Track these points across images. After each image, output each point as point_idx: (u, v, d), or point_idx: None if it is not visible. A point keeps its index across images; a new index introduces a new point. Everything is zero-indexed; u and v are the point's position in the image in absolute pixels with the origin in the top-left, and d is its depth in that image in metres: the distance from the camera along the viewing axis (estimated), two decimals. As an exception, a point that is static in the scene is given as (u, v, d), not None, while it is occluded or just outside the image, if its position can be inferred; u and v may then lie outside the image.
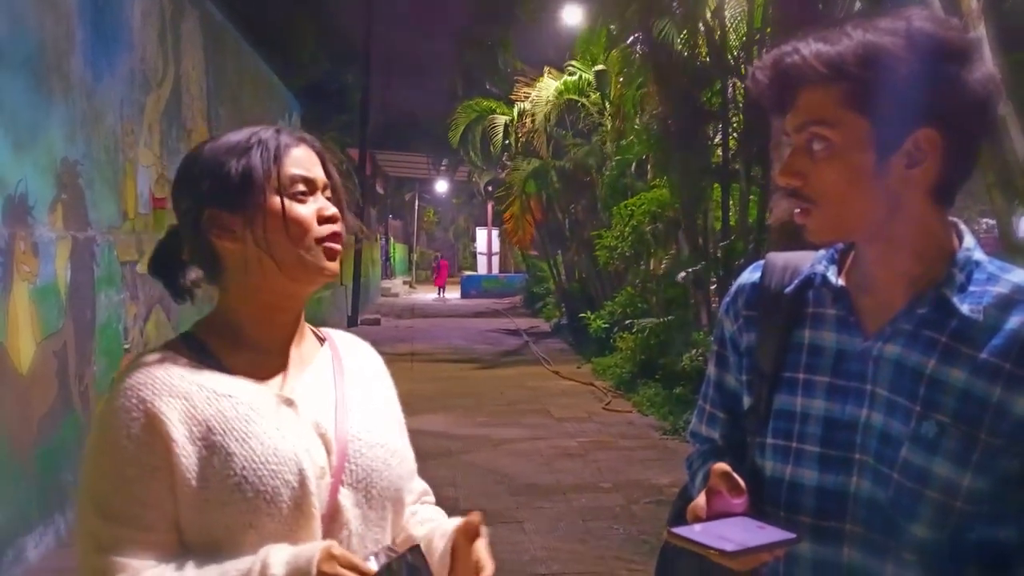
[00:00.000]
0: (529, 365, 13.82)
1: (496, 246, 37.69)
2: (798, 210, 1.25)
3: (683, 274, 10.72)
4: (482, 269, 38.37)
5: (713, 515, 1.25)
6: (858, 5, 7.63)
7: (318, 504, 1.29)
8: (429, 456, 7.79)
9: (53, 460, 4.73)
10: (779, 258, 1.43)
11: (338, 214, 1.37)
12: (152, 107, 6.49)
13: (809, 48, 1.20)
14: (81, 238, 5.14)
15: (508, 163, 19.63)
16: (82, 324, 5.18)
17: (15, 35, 4.36)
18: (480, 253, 39.34)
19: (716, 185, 10.63)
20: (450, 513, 1.56)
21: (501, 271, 38.25)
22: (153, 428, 1.24)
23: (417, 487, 1.59)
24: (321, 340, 1.50)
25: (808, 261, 1.38)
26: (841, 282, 1.33)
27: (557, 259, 20.43)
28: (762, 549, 1.18)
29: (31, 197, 4.48)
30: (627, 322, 12.28)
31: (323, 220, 1.35)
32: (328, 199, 1.38)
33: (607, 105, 14.89)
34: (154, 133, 6.49)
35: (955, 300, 1.22)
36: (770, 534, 1.21)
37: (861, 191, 1.21)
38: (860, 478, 1.25)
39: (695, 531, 1.21)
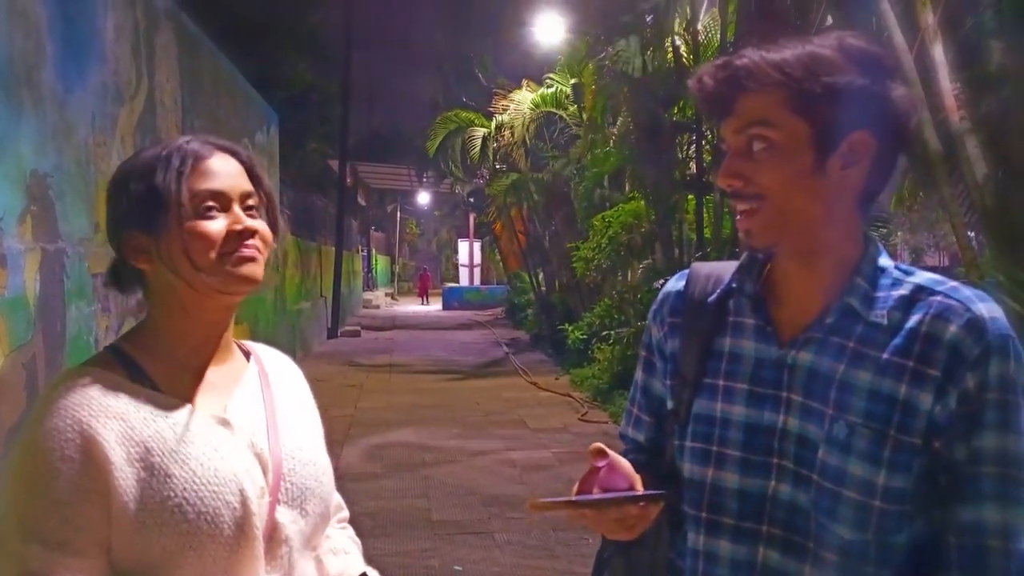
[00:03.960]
0: (507, 376, 13.83)
1: (478, 258, 37.68)
2: (742, 210, 1.28)
3: (660, 282, 10.79)
4: (464, 281, 38.36)
5: (591, 491, 1.27)
6: (829, 20, 7.72)
7: (259, 524, 1.29)
8: (402, 467, 7.80)
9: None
10: (703, 267, 1.49)
11: (253, 227, 1.33)
12: (125, 119, 6.49)
13: (756, 54, 1.26)
14: (51, 250, 5.14)
15: (488, 176, 19.67)
16: (52, 336, 5.18)
17: (-16, 48, 4.38)
18: (462, 265, 39.33)
19: (691, 197, 10.71)
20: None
21: (483, 283, 38.25)
22: (89, 450, 1.21)
23: (335, 499, 1.59)
24: (247, 354, 1.49)
25: (731, 271, 1.43)
26: (759, 292, 1.38)
27: (537, 271, 20.50)
28: (617, 501, 1.23)
29: (0, 209, 4.49)
30: (604, 333, 12.34)
31: (233, 235, 1.31)
32: (252, 208, 1.35)
33: (583, 117, 14.98)
34: (127, 145, 6.49)
35: (859, 307, 1.28)
36: (633, 492, 1.25)
37: (801, 189, 1.25)
38: (778, 482, 1.29)
39: (557, 499, 1.23)
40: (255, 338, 1.55)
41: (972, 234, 5.51)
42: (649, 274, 11.61)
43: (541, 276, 20.48)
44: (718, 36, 9.97)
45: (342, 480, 1.62)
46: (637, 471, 1.28)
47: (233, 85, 10.65)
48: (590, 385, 11.83)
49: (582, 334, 13.64)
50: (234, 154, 1.37)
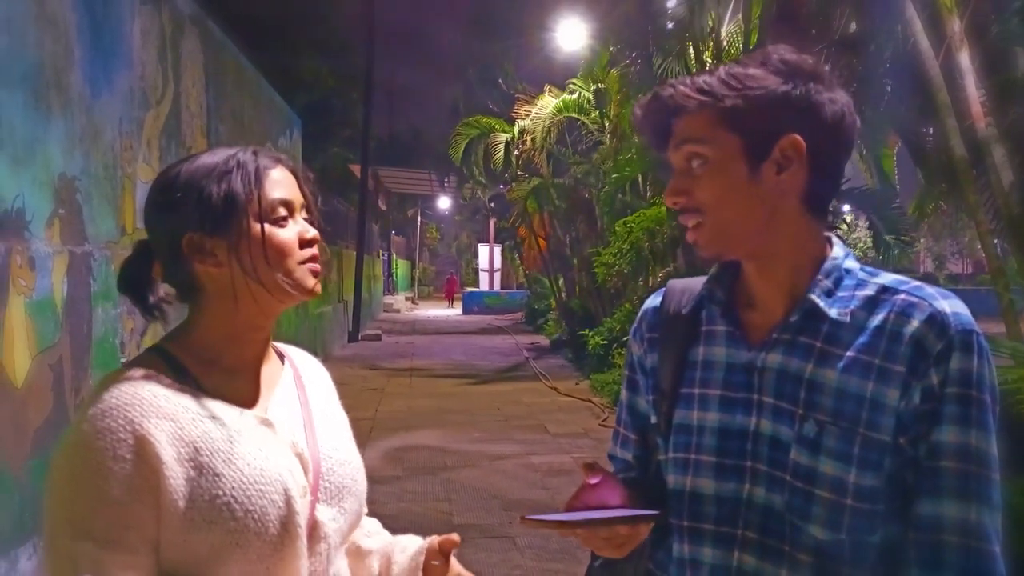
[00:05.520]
0: (528, 381, 13.85)
1: (498, 263, 37.71)
2: (690, 225, 1.33)
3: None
4: (484, 285, 38.42)
5: (583, 507, 1.30)
6: (853, 26, 7.70)
7: (302, 522, 1.32)
8: (424, 471, 7.83)
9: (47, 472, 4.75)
10: (679, 283, 1.52)
11: (318, 236, 1.39)
12: (151, 124, 6.55)
13: (683, 83, 1.31)
14: (78, 252, 5.20)
15: (512, 182, 19.69)
16: (78, 338, 5.23)
17: (14, 51, 4.42)
18: (482, 270, 39.38)
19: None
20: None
21: (503, 287, 38.30)
22: (142, 450, 1.22)
23: None
24: (281, 357, 1.52)
25: None
26: (728, 299, 1.41)
27: (558, 276, 20.50)
28: (608, 521, 1.24)
29: (28, 212, 4.53)
30: (625, 339, 12.30)
31: (304, 243, 1.37)
32: (306, 219, 1.40)
33: (606, 123, 14.97)
34: (153, 149, 6.55)
35: (822, 305, 1.30)
36: (626, 511, 1.26)
37: (739, 199, 1.29)
38: (753, 485, 1.30)
39: (549, 516, 1.25)
40: (276, 340, 1.57)
41: (997, 241, 5.48)
42: (668, 278, 11.58)
43: (562, 281, 20.49)
44: (741, 44, 9.96)
45: (365, 482, 1.66)
46: (628, 488, 1.31)
47: (257, 90, 10.73)
48: (610, 391, 11.81)
49: (603, 339, 13.62)
50: (288, 166, 1.42)
